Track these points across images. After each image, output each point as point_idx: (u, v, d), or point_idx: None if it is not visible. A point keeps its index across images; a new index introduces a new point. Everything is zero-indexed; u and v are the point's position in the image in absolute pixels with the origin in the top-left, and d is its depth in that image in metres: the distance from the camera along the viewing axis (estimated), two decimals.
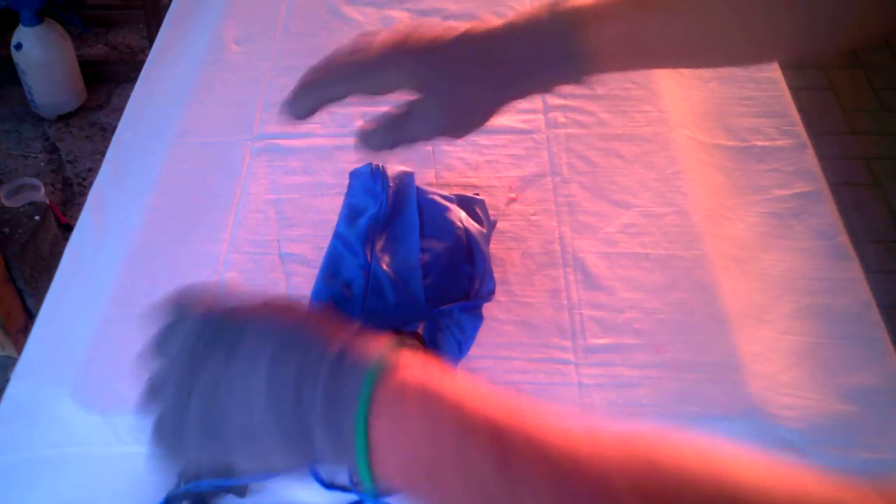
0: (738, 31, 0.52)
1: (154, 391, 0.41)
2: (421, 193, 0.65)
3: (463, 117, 0.55)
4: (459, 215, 0.64)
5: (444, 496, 0.35)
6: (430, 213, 0.63)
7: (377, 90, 0.54)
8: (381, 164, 0.68)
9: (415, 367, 0.38)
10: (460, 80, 0.53)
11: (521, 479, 0.32)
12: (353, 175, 0.69)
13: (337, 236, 0.64)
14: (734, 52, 0.56)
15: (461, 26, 0.55)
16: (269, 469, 0.42)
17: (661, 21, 0.51)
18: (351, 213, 0.65)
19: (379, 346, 0.39)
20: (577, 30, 0.51)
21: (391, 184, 0.65)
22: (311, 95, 0.55)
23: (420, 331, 0.57)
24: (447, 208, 0.64)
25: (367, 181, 0.67)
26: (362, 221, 0.63)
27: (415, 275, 0.58)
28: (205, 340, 0.41)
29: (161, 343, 0.42)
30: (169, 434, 0.40)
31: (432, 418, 0.35)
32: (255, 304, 0.42)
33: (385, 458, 0.36)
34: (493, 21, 0.54)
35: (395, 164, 0.68)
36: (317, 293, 0.60)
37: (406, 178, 0.66)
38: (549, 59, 0.53)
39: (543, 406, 0.35)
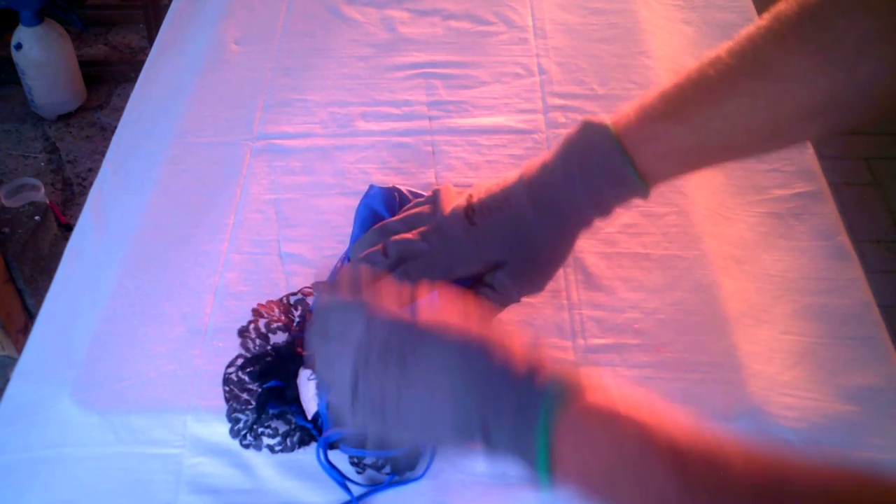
0: (773, 123, 0.51)
1: (325, 385, 0.45)
2: None
3: (544, 271, 0.55)
4: None
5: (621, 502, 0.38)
6: None
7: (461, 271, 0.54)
8: (400, 188, 0.68)
9: (595, 387, 0.40)
10: (532, 243, 0.54)
11: (698, 489, 0.35)
12: (369, 195, 0.69)
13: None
14: (780, 139, 0.55)
15: (511, 175, 0.55)
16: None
17: (697, 132, 0.51)
18: (368, 221, 0.65)
19: (560, 367, 0.41)
20: (630, 157, 0.51)
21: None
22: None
23: None
24: None
25: (387, 199, 0.67)
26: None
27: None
28: (377, 350, 0.43)
29: (324, 337, 0.46)
30: (341, 415, 0.44)
31: (615, 434, 0.38)
32: (426, 316, 0.44)
33: (565, 468, 0.39)
34: (536, 161, 0.54)
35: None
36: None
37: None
38: (611, 189, 0.52)
39: (716, 428, 0.37)
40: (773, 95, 0.49)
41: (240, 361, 0.59)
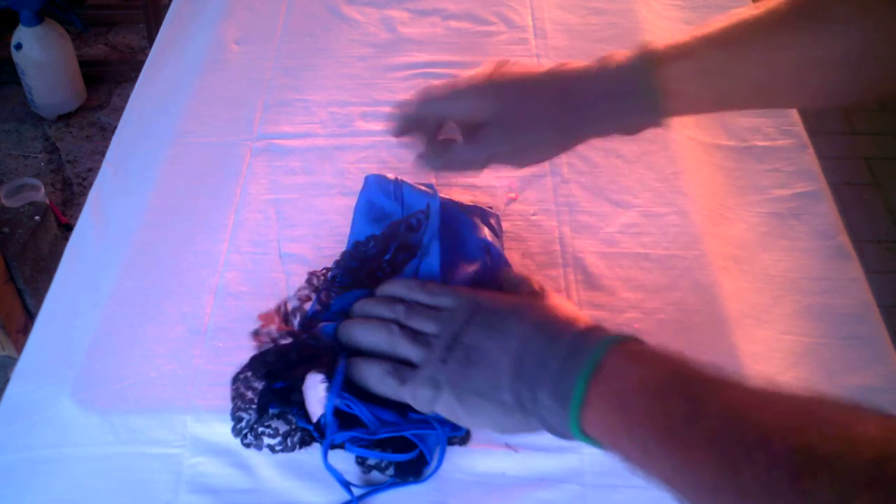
0: (815, 71, 0.52)
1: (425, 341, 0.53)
2: (445, 207, 0.64)
3: (528, 149, 0.57)
4: (484, 232, 0.64)
5: (637, 441, 0.42)
6: (455, 230, 0.63)
7: (462, 115, 0.58)
8: (398, 177, 0.68)
9: (633, 347, 0.46)
10: (534, 113, 0.55)
11: (704, 425, 0.38)
12: (369, 181, 0.69)
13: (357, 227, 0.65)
14: (811, 93, 0.56)
15: (548, 64, 0.57)
16: (487, 426, 0.51)
17: (736, 58, 0.52)
18: (371, 212, 0.66)
19: (608, 331, 0.48)
20: (655, 68, 0.52)
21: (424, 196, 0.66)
22: (404, 117, 0.59)
23: None
24: (473, 225, 0.64)
25: (382, 184, 0.67)
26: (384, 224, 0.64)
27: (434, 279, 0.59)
28: (475, 320, 0.52)
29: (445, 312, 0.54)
30: (428, 369, 0.51)
31: (641, 383, 0.43)
32: (517, 302, 0.53)
33: (593, 420, 0.44)
34: (578, 62, 0.56)
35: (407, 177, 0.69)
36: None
37: (430, 197, 0.65)
38: (625, 100, 0.54)
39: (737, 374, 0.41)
40: (816, 36, 0.50)
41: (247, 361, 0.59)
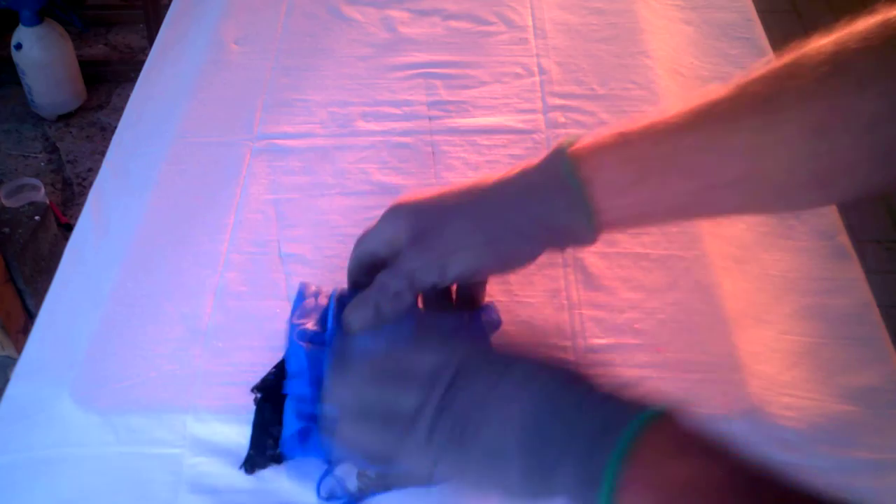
0: (781, 169, 0.45)
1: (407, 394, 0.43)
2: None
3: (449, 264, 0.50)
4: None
5: None
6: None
7: (386, 245, 0.51)
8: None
9: (673, 425, 0.39)
10: (450, 231, 0.49)
11: None
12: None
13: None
14: (780, 196, 0.48)
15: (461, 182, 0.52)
16: (493, 490, 0.43)
17: (680, 144, 0.46)
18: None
19: (642, 401, 0.40)
20: (581, 165, 0.46)
21: None
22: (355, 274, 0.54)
23: None
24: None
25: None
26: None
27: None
28: (469, 368, 0.43)
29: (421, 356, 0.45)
30: (412, 436, 0.42)
31: (689, 481, 0.37)
32: (518, 346, 0.45)
33: (632, 497, 0.37)
34: (497, 173, 0.51)
35: None
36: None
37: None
38: (550, 211, 0.48)
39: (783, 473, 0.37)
40: (762, 126, 0.45)
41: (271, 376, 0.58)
